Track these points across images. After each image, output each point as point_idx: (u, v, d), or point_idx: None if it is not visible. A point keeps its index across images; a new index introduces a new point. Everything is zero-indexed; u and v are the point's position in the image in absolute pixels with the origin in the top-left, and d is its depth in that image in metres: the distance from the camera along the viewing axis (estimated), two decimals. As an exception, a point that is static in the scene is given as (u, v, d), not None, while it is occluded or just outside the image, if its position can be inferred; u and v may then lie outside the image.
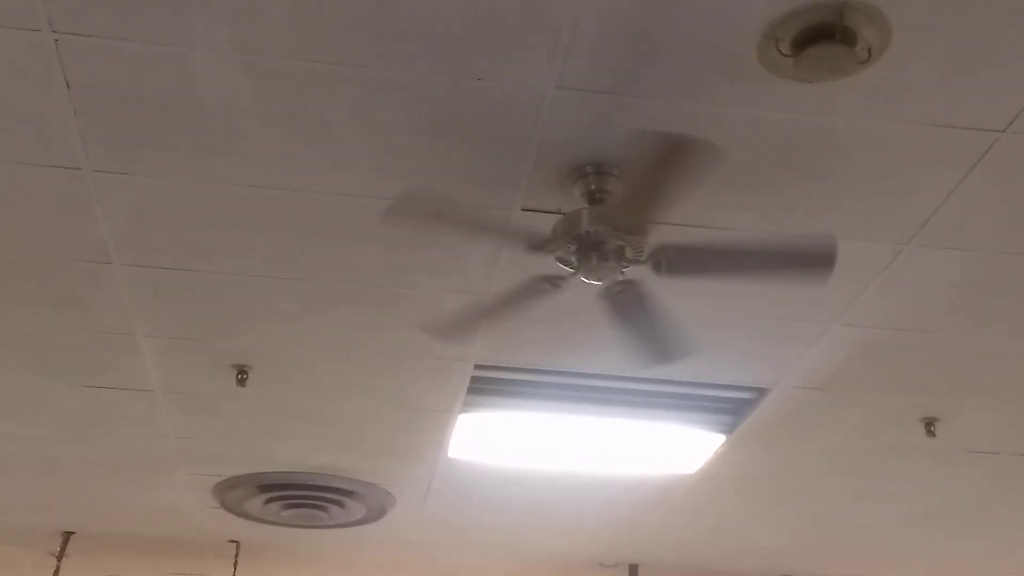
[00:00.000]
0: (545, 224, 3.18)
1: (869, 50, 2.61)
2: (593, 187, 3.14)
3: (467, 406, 4.92)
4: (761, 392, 4.67)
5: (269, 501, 6.12)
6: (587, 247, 3.04)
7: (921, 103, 2.85)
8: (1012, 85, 2.78)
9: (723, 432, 5.10)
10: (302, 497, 6.03)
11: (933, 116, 2.90)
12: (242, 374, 4.55)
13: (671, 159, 2.68)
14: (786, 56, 2.64)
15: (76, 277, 3.83)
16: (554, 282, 3.23)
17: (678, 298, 3.84)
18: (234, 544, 7.27)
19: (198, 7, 2.59)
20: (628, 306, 3.34)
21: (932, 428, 4.89)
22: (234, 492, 6.04)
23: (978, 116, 2.90)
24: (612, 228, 3.01)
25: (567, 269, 3.14)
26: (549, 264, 3.16)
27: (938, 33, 2.60)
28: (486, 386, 4.74)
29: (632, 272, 3.16)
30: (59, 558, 7.26)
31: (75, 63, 2.78)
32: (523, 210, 3.35)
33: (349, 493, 6.00)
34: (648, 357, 3.64)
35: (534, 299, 3.34)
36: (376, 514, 6.38)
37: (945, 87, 2.79)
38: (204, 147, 3.11)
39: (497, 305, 3.41)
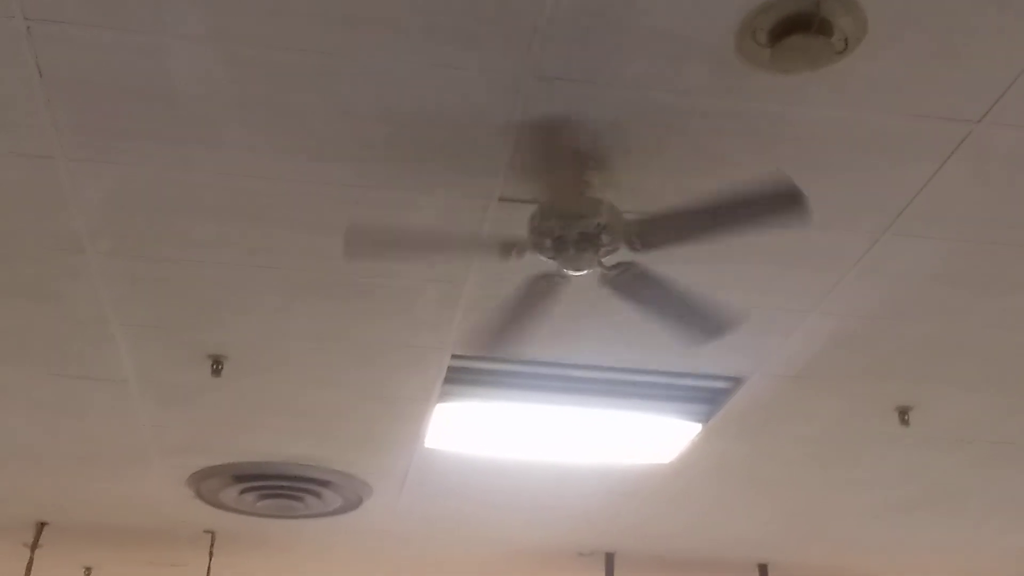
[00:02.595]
0: (521, 215, 3.17)
1: (845, 41, 2.62)
2: (570, 177, 3.13)
3: (444, 396, 4.92)
4: (737, 381, 4.69)
5: (244, 491, 6.10)
6: (559, 240, 3.05)
7: (897, 94, 2.86)
8: (987, 76, 2.79)
9: (699, 421, 5.12)
10: (278, 487, 6.01)
11: (909, 106, 2.92)
12: (217, 364, 4.53)
13: (559, 141, 2.69)
14: (763, 47, 2.64)
15: (49, 267, 3.80)
16: (551, 279, 3.23)
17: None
18: (209, 534, 7.25)
19: (172, -6, 2.57)
20: (638, 289, 3.31)
21: (906, 417, 4.92)
22: (209, 482, 6.02)
23: (953, 107, 2.91)
24: (564, 217, 3.01)
25: (552, 263, 3.15)
26: (534, 260, 3.16)
27: (914, 24, 2.61)
28: (463, 376, 4.73)
29: (616, 256, 3.15)
30: (33, 549, 7.21)
31: (48, 51, 2.75)
32: (501, 200, 3.35)
33: (325, 483, 5.99)
34: (693, 335, 3.53)
35: (545, 297, 3.33)
36: (352, 504, 6.38)
37: (921, 78, 2.80)
38: (179, 136, 3.09)
39: (521, 311, 3.40)
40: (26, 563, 7.29)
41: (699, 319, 3.47)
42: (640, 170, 3.18)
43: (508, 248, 3.13)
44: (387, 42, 2.70)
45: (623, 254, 3.15)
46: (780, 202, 2.95)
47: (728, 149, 3.10)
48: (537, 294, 3.32)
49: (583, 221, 3.03)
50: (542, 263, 3.17)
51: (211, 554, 7.47)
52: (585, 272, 3.13)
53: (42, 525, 7.05)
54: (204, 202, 3.41)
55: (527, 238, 3.11)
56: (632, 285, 3.29)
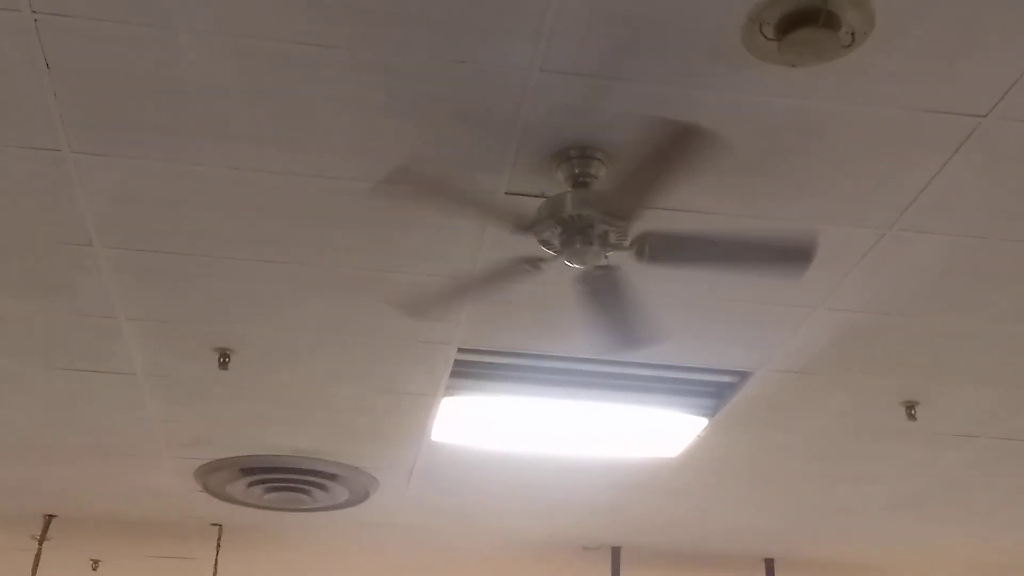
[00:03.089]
0: (529, 208, 3.17)
1: (853, 34, 2.62)
2: (577, 171, 3.14)
3: (450, 389, 4.92)
4: (744, 376, 4.69)
5: (252, 484, 6.11)
6: (572, 231, 3.05)
7: (904, 87, 2.86)
8: (994, 70, 2.79)
9: (706, 416, 5.12)
10: (285, 480, 6.02)
11: (916, 101, 2.91)
12: (225, 358, 4.54)
13: (673, 146, 2.69)
14: (770, 40, 2.64)
15: (57, 260, 3.81)
16: (535, 264, 3.23)
17: (661, 282, 3.85)
18: (217, 527, 7.27)
19: (180, -12, 2.57)
20: (604, 291, 3.35)
21: (913, 412, 4.92)
22: (217, 475, 6.04)
23: (961, 101, 2.91)
24: (601, 212, 3.01)
25: (549, 252, 3.15)
26: (532, 247, 3.16)
27: (921, 18, 2.61)
28: (469, 370, 4.74)
29: (614, 257, 3.16)
30: (41, 541, 7.24)
31: (55, 44, 2.76)
32: (506, 194, 3.35)
33: (332, 476, 6.00)
34: (613, 342, 3.65)
35: (514, 280, 3.35)
36: (359, 497, 6.39)
37: (928, 72, 2.80)
38: (187, 129, 3.09)
39: (475, 284, 3.41)
40: (34, 555, 7.31)
41: (626, 330, 3.56)
42: (632, 162, 3.17)
43: (523, 224, 3.11)
44: (395, 35, 2.71)
45: (618, 257, 3.16)
46: (792, 256, 3.03)
47: (735, 142, 3.10)
48: (506, 274, 3.31)
49: (616, 220, 3.03)
50: (533, 248, 3.16)
51: (218, 547, 7.48)
52: (582, 266, 3.14)
53: (50, 518, 7.07)
54: (212, 195, 3.42)
55: (537, 219, 3.09)
56: (602, 287, 3.31)
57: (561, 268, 3.21)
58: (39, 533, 7.20)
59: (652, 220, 3.23)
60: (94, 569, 8.59)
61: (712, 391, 4.93)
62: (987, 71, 2.79)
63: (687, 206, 3.39)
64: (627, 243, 3.12)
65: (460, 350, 4.51)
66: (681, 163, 2.74)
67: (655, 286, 3.90)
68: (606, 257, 3.14)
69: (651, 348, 3.90)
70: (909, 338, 4.26)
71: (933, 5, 2.57)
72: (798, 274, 3.19)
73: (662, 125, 2.69)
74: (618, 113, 2.97)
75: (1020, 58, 2.74)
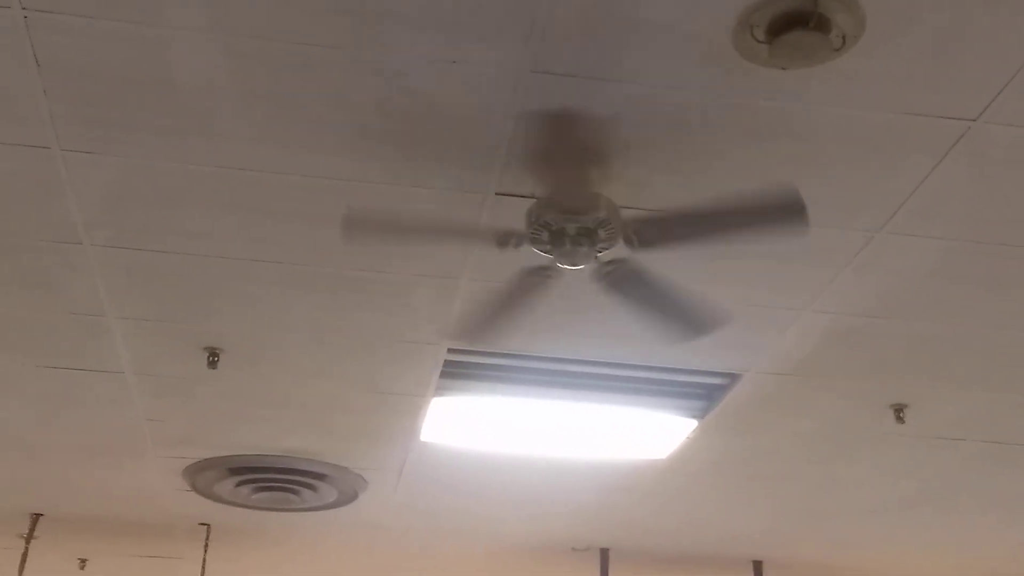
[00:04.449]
0: (518, 210, 3.18)
1: (843, 37, 2.62)
2: (567, 172, 3.13)
3: (440, 390, 4.92)
4: (733, 378, 4.70)
5: (240, 484, 6.10)
6: (557, 234, 3.05)
7: (894, 91, 2.87)
8: (984, 74, 2.80)
9: (695, 417, 5.12)
10: (273, 480, 6.01)
11: (906, 104, 2.92)
12: (213, 357, 4.53)
13: (582, 137, 2.69)
14: (761, 42, 2.65)
15: (46, 258, 3.80)
16: (543, 273, 3.24)
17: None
18: (205, 527, 7.25)
19: (171, -15, 2.57)
20: (629, 285, 3.32)
21: (901, 414, 4.93)
22: (205, 475, 6.02)
23: (950, 105, 2.92)
24: (564, 212, 3.02)
25: (547, 257, 3.15)
26: (529, 252, 3.16)
27: (912, 21, 2.61)
28: (459, 370, 4.74)
29: (610, 254, 3.16)
30: (27, 540, 7.21)
31: (45, 40, 2.75)
32: (497, 194, 3.35)
33: (321, 476, 5.99)
34: (677, 332, 3.58)
35: (535, 291, 3.34)
36: (348, 498, 6.38)
37: (918, 75, 2.81)
38: (177, 127, 3.09)
39: (507, 304, 3.41)
40: (21, 554, 7.29)
41: (685, 318, 3.49)
42: (638, 165, 3.18)
43: (505, 239, 3.13)
44: (386, 35, 2.70)
45: (619, 250, 3.15)
46: (781, 212, 2.99)
47: (726, 144, 3.10)
48: (527, 287, 3.32)
49: (581, 216, 3.03)
50: (536, 256, 3.17)
51: (206, 546, 7.47)
52: (580, 267, 3.14)
53: (37, 516, 7.05)
54: (201, 194, 3.41)
55: (524, 231, 3.11)
56: (624, 282, 3.30)
57: (556, 270, 3.21)
58: (26, 532, 7.17)
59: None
60: (81, 568, 8.57)
61: (701, 393, 4.93)
62: (977, 75, 2.80)
63: (671, 206, 3.38)
64: (616, 236, 3.11)
65: (450, 350, 4.51)
66: (579, 146, 2.78)
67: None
68: (597, 256, 3.14)
69: (716, 328, 3.71)
70: (898, 341, 4.27)
71: (924, 9, 2.57)
72: (801, 228, 3.05)
73: (540, 118, 2.71)
74: (609, 114, 2.97)
75: (1010, 62, 2.75)
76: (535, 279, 3.28)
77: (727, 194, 3.06)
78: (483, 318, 3.51)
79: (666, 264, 3.58)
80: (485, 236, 3.18)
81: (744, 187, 3.28)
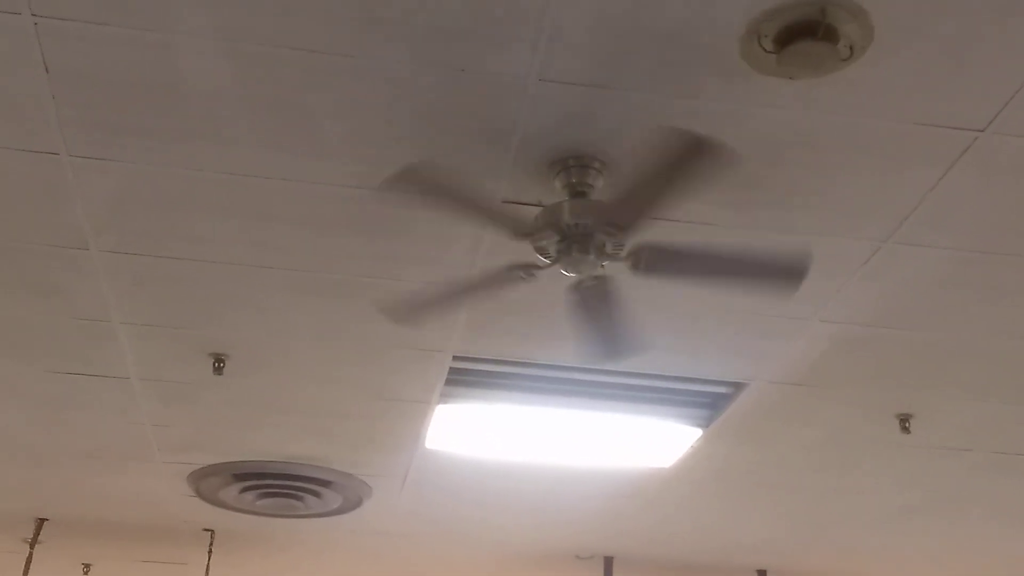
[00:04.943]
0: (528, 215, 3.17)
1: (851, 48, 2.62)
2: (574, 180, 3.14)
3: (445, 397, 4.92)
4: (738, 386, 4.69)
5: (245, 490, 6.10)
6: (570, 239, 3.05)
7: (902, 101, 2.86)
8: (992, 84, 2.79)
9: (700, 426, 5.12)
10: (278, 486, 6.01)
11: (913, 114, 2.92)
12: (219, 362, 4.53)
13: (682, 159, 2.69)
14: (769, 52, 2.65)
15: (53, 263, 3.81)
16: (528, 271, 3.23)
17: (657, 291, 3.85)
18: (209, 532, 7.25)
19: (180, -7, 2.57)
20: (594, 301, 3.35)
21: (907, 424, 4.92)
22: (210, 480, 6.02)
23: (958, 115, 2.92)
24: (602, 222, 3.01)
25: (544, 260, 3.15)
26: (528, 254, 3.16)
27: (919, 32, 2.61)
28: (464, 377, 4.73)
29: (609, 268, 3.16)
30: (32, 545, 7.22)
31: (54, 47, 2.76)
32: (504, 202, 3.35)
33: (325, 483, 5.99)
34: (596, 351, 3.65)
35: (506, 287, 3.34)
36: (352, 504, 6.38)
37: (926, 85, 2.80)
38: (184, 133, 3.09)
39: (467, 290, 3.40)
40: (25, 558, 7.29)
41: (612, 340, 3.56)
42: (639, 173, 3.17)
43: (522, 230, 3.10)
44: (394, 42, 2.71)
45: (612, 268, 3.16)
46: (784, 274, 3.04)
47: (733, 154, 3.10)
48: (497, 281, 3.31)
49: (616, 231, 3.03)
50: (524, 255, 3.16)
51: (210, 552, 7.47)
52: (577, 275, 3.14)
53: (42, 521, 7.05)
54: (208, 200, 3.42)
55: (540, 226, 3.09)
56: (593, 297, 3.31)
57: (557, 276, 3.21)
58: (31, 536, 7.18)
59: (648, 230, 3.22)
60: (85, 573, 8.56)
61: (707, 401, 4.93)
62: (985, 85, 2.80)
63: (684, 217, 3.39)
64: (623, 254, 3.12)
65: (455, 357, 4.51)
66: (689, 176, 2.75)
67: (651, 295, 3.90)
68: (602, 267, 3.14)
69: (632, 359, 3.94)
70: (904, 350, 4.27)
71: (932, 19, 2.57)
72: (790, 292, 3.21)
73: (673, 137, 2.69)
74: (616, 123, 2.97)
75: (1018, 72, 2.75)
76: (513, 275, 3.26)
77: (742, 245, 3.10)
78: (428, 299, 3.47)
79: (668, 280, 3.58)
80: (506, 221, 3.13)
81: (751, 196, 3.28)
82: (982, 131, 2.97)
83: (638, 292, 3.80)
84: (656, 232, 3.34)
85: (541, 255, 3.14)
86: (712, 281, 3.25)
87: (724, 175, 3.20)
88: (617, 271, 3.22)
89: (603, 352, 3.64)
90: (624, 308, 3.42)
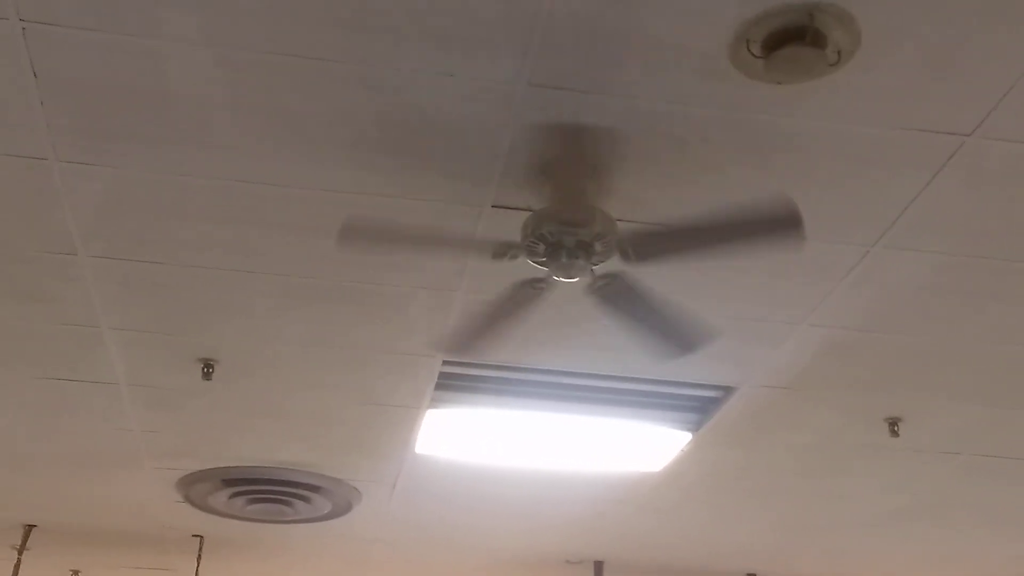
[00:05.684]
0: (514, 223, 3.18)
1: (839, 53, 2.63)
2: (563, 185, 3.14)
3: (435, 402, 4.91)
4: (728, 391, 4.70)
5: (234, 496, 6.09)
6: (553, 247, 3.05)
7: (889, 106, 2.88)
8: (979, 89, 2.81)
9: (689, 430, 5.12)
10: (267, 492, 6.00)
11: (901, 119, 2.93)
12: (208, 368, 4.53)
13: (581, 150, 2.69)
14: (757, 57, 2.65)
15: (41, 268, 3.80)
16: (536, 285, 3.23)
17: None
18: (198, 539, 7.23)
19: (168, -2, 2.57)
20: (622, 300, 3.32)
21: (896, 428, 4.93)
22: (199, 486, 6.01)
23: (945, 120, 2.93)
24: (562, 224, 3.02)
25: (543, 269, 3.15)
26: (527, 268, 3.16)
27: (907, 37, 2.62)
28: (454, 382, 4.73)
29: (604, 267, 3.16)
30: (20, 551, 7.19)
31: (43, 52, 2.75)
32: (494, 207, 3.35)
33: (315, 488, 5.98)
34: (664, 349, 3.58)
35: (528, 304, 3.34)
36: (342, 510, 6.37)
37: (913, 90, 2.82)
38: (173, 139, 3.09)
39: (498, 316, 3.41)
40: (13, 565, 7.26)
41: (674, 334, 3.50)
42: (635, 178, 3.19)
43: (502, 250, 3.13)
44: (383, 47, 2.71)
45: (614, 264, 3.16)
46: (778, 224, 2.98)
47: (722, 159, 3.11)
48: (519, 299, 3.32)
49: (579, 229, 3.04)
50: (531, 269, 3.17)
51: (199, 558, 7.45)
52: (575, 280, 3.14)
53: (30, 528, 7.03)
54: (197, 205, 3.41)
55: (520, 243, 3.11)
56: (616, 296, 3.30)
57: (548, 282, 3.21)
58: (19, 543, 7.15)
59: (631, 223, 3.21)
60: (73, 579, 8.54)
61: (696, 406, 4.93)
62: (972, 90, 2.81)
63: (667, 221, 3.39)
64: (612, 249, 3.11)
65: (445, 362, 4.51)
66: (586, 162, 2.79)
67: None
68: (592, 269, 3.14)
69: (706, 343, 3.70)
70: (892, 354, 4.28)
71: (919, 24, 2.58)
72: (798, 241, 3.02)
73: (552, 132, 2.70)
74: (606, 128, 2.97)
75: (1004, 77, 2.76)
76: (527, 291, 3.28)
77: (723, 207, 3.06)
78: (474, 330, 3.51)
79: (661, 278, 3.59)
80: (481, 248, 3.18)
81: (740, 200, 3.29)
82: (969, 136, 2.99)
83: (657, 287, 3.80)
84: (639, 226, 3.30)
85: (533, 261, 3.14)
86: (709, 253, 3.15)
87: (711, 179, 3.20)
88: (622, 267, 3.20)
89: (674, 347, 3.57)
90: (664, 299, 3.37)
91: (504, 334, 3.53)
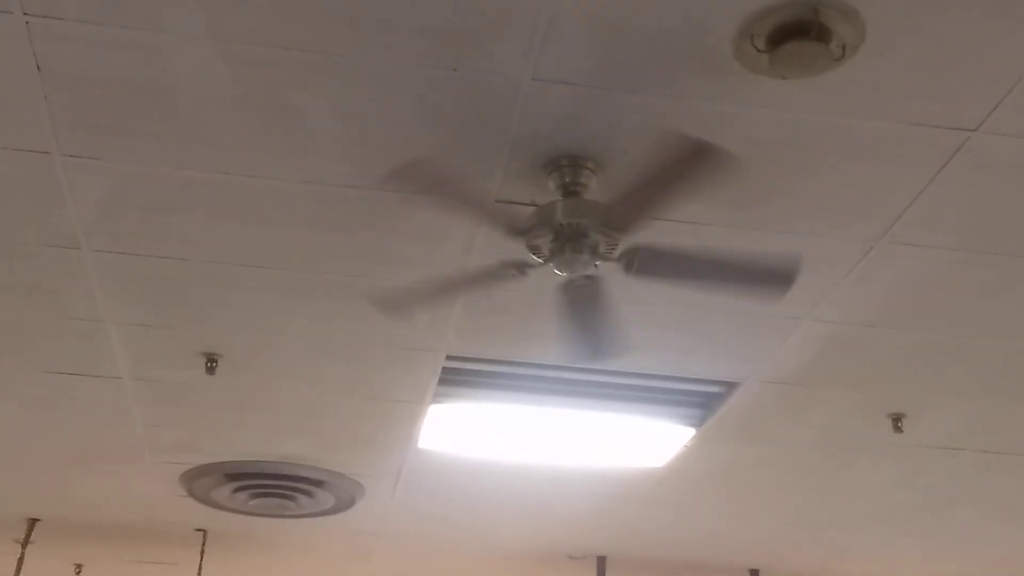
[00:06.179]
0: (522, 214, 3.17)
1: (843, 47, 2.63)
2: (567, 180, 3.14)
3: (438, 397, 4.91)
4: (731, 386, 4.70)
5: (237, 490, 6.09)
6: (564, 239, 3.05)
7: (894, 101, 2.87)
8: (984, 85, 2.80)
9: (693, 426, 5.12)
10: (270, 486, 6.00)
11: (905, 114, 2.92)
12: (211, 362, 4.53)
13: (684, 163, 2.69)
14: (761, 52, 2.65)
15: (44, 263, 3.80)
16: (521, 269, 3.23)
17: (650, 290, 3.85)
18: (201, 533, 7.24)
19: (172, -8, 2.57)
20: (582, 301, 3.35)
21: (899, 424, 4.93)
22: (202, 481, 6.01)
23: (950, 115, 2.92)
24: (596, 222, 3.01)
25: (537, 259, 3.14)
26: (521, 252, 3.15)
27: (912, 32, 2.62)
28: (457, 377, 4.73)
29: (600, 268, 3.16)
30: (24, 545, 7.19)
31: (46, 46, 2.75)
32: (497, 202, 3.35)
33: (318, 483, 5.98)
34: (579, 352, 3.66)
35: (499, 284, 3.34)
36: (345, 504, 6.37)
37: (918, 86, 2.81)
38: (176, 134, 3.09)
39: (457, 285, 3.40)
40: (17, 559, 7.27)
41: (599, 341, 3.58)
42: (638, 174, 3.17)
43: (516, 228, 3.10)
44: (386, 42, 2.71)
45: (603, 268, 3.16)
46: (774, 279, 3.06)
47: (733, 158, 3.10)
48: (489, 277, 3.31)
49: (612, 231, 3.04)
50: (516, 253, 3.16)
51: (202, 552, 7.45)
52: (569, 274, 3.14)
53: (33, 522, 7.03)
54: (200, 200, 3.41)
55: (533, 224, 3.09)
56: (583, 297, 3.32)
57: (550, 275, 3.20)
58: (22, 537, 7.15)
59: (641, 231, 3.22)
60: (77, 574, 8.54)
61: (699, 401, 4.93)
62: (976, 85, 2.80)
63: (676, 216, 3.39)
64: (616, 255, 3.12)
65: (448, 357, 4.51)
66: (688, 181, 2.76)
67: (644, 294, 3.90)
68: (595, 267, 3.14)
69: (614, 360, 3.96)
70: (897, 350, 4.27)
71: (924, 19, 2.58)
72: (777, 297, 3.25)
73: (674, 140, 2.69)
74: (609, 123, 2.97)
75: (1009, 73, 2.75)
76: (503, 272, 3.26)
77: (734, 249, 3.12)
78: (422, 292, 3.47)
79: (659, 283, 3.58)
80: (499, 219, 3.11)
81: (743, 198, 3.29)
82: (974, 131, 2.98)
83: (632, 290, 3.80)
84: (649, 232, 3.33)
85: (534, 254, 3.14)
86: (702, 284, 3.26)
87: (717, 175, 3.20)
88: (608, 271, 3.22)
89: (586, 352, 3.65)
90: (612, 309, 3.42)
91: (449, 303, 3.53)
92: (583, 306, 3.38)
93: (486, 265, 3.30)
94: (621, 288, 3.62)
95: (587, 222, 3.03)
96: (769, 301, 3.48)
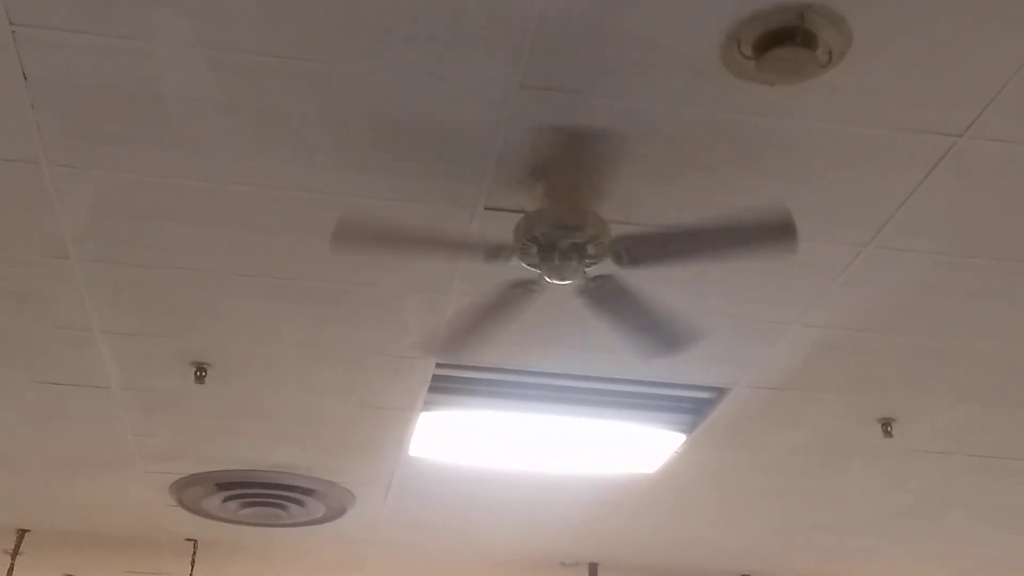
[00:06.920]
0: (506, 225, 3.18)
1: (830, 53, 2.64)
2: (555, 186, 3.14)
3: (428, 404, 4.91)
4: (721, 392, 4.70)
5: (227, 499, 6.08)
6: (546, 248, 3.05)
7: (881, 106, 2.88)
8: (970, 90, 2.81)
9: (683, 432, 5.12)
10: (261, 495, 5.99)
11: (892, 119, 2.93)
12: (201, 371, 4.52)
13: (577, 152, 2.69)
14: (748, 58, 2.66)
15: (33, 272, 3.79)
16: (527, 287, 3.23)
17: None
18: (192, 543, 7.22)
19: (161, 0, 2.56)
20: (612, 301, 3.32)
21: (889, 428, 4.94)
22: (192, 490, 6.00)
23: (936, 120, 2.93)
24: (556, 227, 3.01)
25: (535, 271, 3.14)
26: (519, 269, 3.16)
27: (898, 38, 2.63)
28: (448, 384, 4.73)
29: (605, 267, 3.16)
30: (13, 556, 7.17)
31: (33, 55, 2.75)
32: (486, 209, 3.35)
33: (308, 491, 5.97)
34: (651, 348, 3.60)
35: (518, 306, 3.33)
36: (336, 513, 6.36)
37: (904, 91, 2.82)
38: (165, 142, 3.08)
39: (487, 318, 3.40)
40: (7, 570, 7.25)
41: (662, 334, 3.51)
42: (627, 180, 3.18)
43: (495, 252, 3.12)
44: (375, 49, 2.71)
45: (606, 266, 3.16)
46: (772, 231, 3.00)
47: (714, 160, 3.11)
48: (510, 301, 3.32)
49: (571, 231, 3.03)
50: (523, 270, 3.17)
51: (193, 562, 7.43)
52: (567, 282, 3.14)
53: (23, 532, 7.01)
54: (189, 208, 3.41)
55: (513, 245, 3.10)
56: (607, 298, 3.30)
57: (542, 284, 3.21)
58: (12, 548, 7.13)
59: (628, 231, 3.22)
60: (67, 584, 8.52)
61: (690, 407, 4.93)
62: (963, 90, 2.81)
63: (664, 222, 3.39)
64: (605, 252, 3.11)
65: (439, 365, 4.50)
66: (594, 166, 2.80)
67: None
68: (585, 271, 3.14)
69: (691, 346, 3.74)
70: (886, 354, 4.28)
71: (910, 25, 2.59)
72: (791, 249, 3.05)
73: (557, 133, 2.70)
74: (597, 129, 2.97)
75: (996, 78, 2.76)
76: (518, 293, 3.27)
77: (717, 213, 3.06)
78: (462, 332, 3.50)
79: (653, 278, 3.58)
80: (475, 249, 3.17)
81: (733, 203, 3.29)
82: (960, 136, 2.99)
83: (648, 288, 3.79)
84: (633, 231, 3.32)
85: (525, 263, 3.14)
86: (703, 258, 3.18)
87: (703, 179, 3.20)
88: (614, 269, 3.21)
89: (660, 347, 3.58)
90: (651, 299, 3.36)
91: (492, 335, 3.53)
92: (620, 306, 3.34)
93: (499, 293, 3.29)
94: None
95: (558, 228, 3.02)
96: (782, 258, 3.26)
